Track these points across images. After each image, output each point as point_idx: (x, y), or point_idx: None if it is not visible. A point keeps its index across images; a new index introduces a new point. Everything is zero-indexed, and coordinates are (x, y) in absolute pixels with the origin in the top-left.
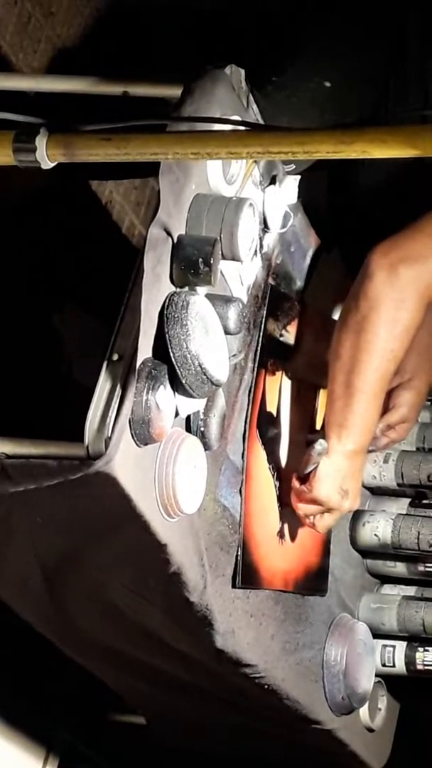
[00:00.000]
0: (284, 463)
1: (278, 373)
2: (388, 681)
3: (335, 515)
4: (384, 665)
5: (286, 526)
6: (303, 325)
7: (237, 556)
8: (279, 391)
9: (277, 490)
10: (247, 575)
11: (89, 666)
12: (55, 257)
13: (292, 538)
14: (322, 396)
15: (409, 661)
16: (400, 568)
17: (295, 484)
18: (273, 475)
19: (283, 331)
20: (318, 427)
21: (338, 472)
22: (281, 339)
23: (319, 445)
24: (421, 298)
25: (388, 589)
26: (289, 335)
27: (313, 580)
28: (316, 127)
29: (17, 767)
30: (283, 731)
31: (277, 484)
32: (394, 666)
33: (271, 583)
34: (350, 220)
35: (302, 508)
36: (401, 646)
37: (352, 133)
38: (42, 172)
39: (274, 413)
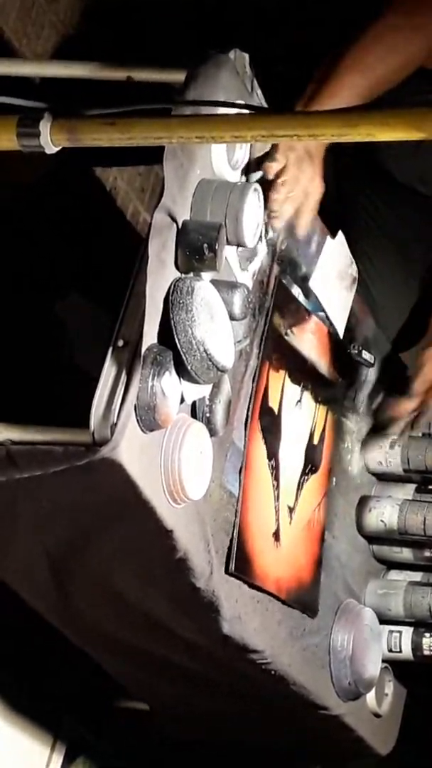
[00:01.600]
0: (282, 467)
1: (281, 372)
2: (395, 666)
3: (301, 184)
4: (390, 651)
5: (282, 529)
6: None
7: (232, 539)
8: (281, 392)
9: (275, 490)
10: (240, 562)
11: (94, 654)
12: (59, 244)
13: (288, 543)
14: (320, 412)
15: (416, 647)
16: (406, 553)
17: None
18: (271, 474)
19: (288, 331)
20: (315, 442)
21: (295, 161)
22: (286, 338)
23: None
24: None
25: (394, 574)
26: (294, 337)
27: (305, 596)
28: (321, 110)
29: (25, 755)
30: (290, 718)
31: (275, 483)
32: (400, 651)
33: (263, 581)
34: (356, 205)
35: (270, 167)
36: (408, 632)
37: (357, 116)
38: (46, 159)
39: (276, 411)
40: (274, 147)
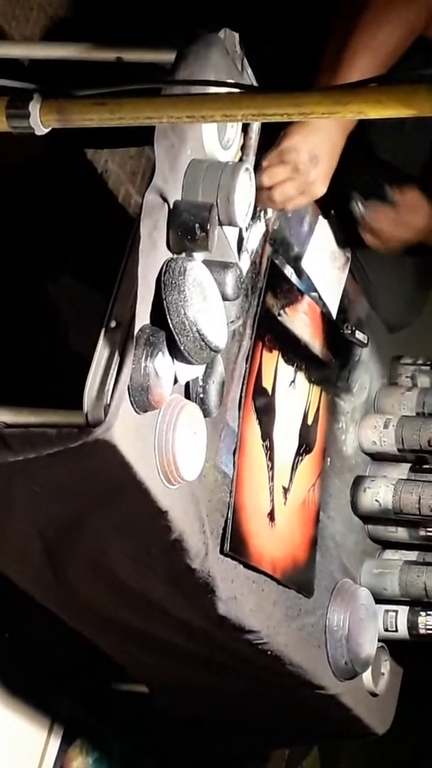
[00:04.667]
0: (277, 447)
1: (275, 352)
2: (391, 646)
3: (298, 186)
4: (386, 630)
5: (277, 510)
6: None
7: (227, 519)
8: (275, 372)
9: (270, 471)
10: (235, 542)
11: (91, 636)
12: (50, 227)
13: (283, 524)
14: (314, 392)
15: (412, 626)
16: (401, 533)
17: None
18: (266, 454)
19: (281, 311)
20: (310, 422)
21: (313, 130)
22: (279, 318)
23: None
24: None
25: (389, 554)
26: (287, 318)
27: (300, 576)
28: (311, 88)
29: (22, 737)
30: (286, 697)
31: (270, 464)
32: (396, 631)
33: (259, 561)
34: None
35: (268, 172)
36: (403, 611)
37: (348, 94)
38: (37, 141)
39: (269, 391)
40: (276, 147)
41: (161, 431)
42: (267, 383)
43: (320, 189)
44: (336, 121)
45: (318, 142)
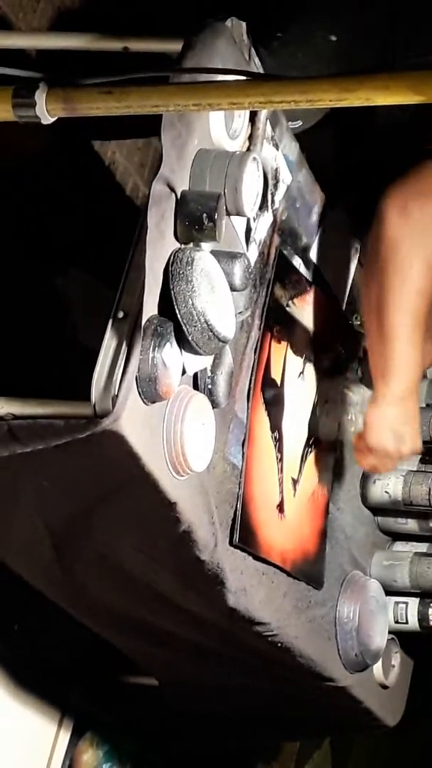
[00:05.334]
0: (286, 438)
1: (283, 343)
2: (402, 638)
3: (396, 461)
4: (397, 622)
5: (286, 502)
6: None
7: (236, 511)
8: (284, 363)
9: (279, 462)
10: (244, 533)
11: (100, 630)
12: (58, 219)
13: (292, 516)
14: (323, 383)
15: (422, 618)
16: (411, 524)
17: (355, 440)
18: (275, 446)
19: (290, 302)
20: (318, 413)
21: (387, 418)
22: (288, 309)
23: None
24: None
25: (399, 545)
26: (296, 308)
27: (310, 568)
28: (319, 75)
29: (33, 730)
30: (297, 689)
31: (279, 456)
32: (407, 623)
33: (268, 553)
34: (357, 177)
35: (365, 462)
36: (414, 603)
37: (356, 81)
38: (44, 132)
39: (278, 382)
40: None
41: (169, 422)
42: (276, 374)
43: (416, 449)
44: (401, 393)
45: (396, 420)
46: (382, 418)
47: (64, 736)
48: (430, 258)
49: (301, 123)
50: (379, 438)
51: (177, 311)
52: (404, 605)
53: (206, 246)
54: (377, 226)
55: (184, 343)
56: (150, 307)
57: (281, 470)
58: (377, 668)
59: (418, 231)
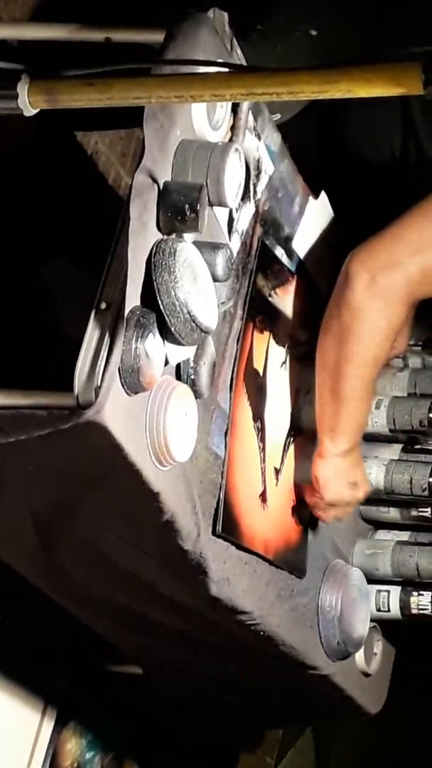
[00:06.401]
0: (268, 428)
1: (266, 333)
2: (383, 626)
3: (354, 505)
4: (379, 610)
5: (269, 491)
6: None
7: (219, 500)
8: (266, 353)
9: (261, 452)
10: (227, 523)
11: (85, 618)
12: (40, 209)
13: (274, 505)
14: (305, 373)
15: (404, 606)
16: (393, 513)
17: (308, 497)
18: (257, 436)
19: (272, 292)
20: (301, 403)
21: (340, 471)
22: (270, 299)
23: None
24: (401, 305)
25: (381, 534)
26: (278, 298)
27: (293, 557)
28: (300, 67)
29: (15, 720)
30: (279, 678)
31: (261, 445)
32: (389, 611)
33: (251, 542)
34: (338, 166)
35: (326, 516)
36: (396, 591)
37: (337, 73)
38: (27, 123)
39: (260, 373)
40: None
41: (152, 413)
42: (258, 364)
43: (367, 490)
44: (349, 446)
45: (347, 470)
46: (335, 472)
47: (48, 725)
48: (392, 329)
49: (280, 116)
50: (337, 491)
51: (159, 302)
52: (386, 593)
53: (189, 237)
54: (342, 288)
55: (166, 333)
56: (132, 298)
57: (264, 460)
58: (359, 656)
59: (383, 303)
